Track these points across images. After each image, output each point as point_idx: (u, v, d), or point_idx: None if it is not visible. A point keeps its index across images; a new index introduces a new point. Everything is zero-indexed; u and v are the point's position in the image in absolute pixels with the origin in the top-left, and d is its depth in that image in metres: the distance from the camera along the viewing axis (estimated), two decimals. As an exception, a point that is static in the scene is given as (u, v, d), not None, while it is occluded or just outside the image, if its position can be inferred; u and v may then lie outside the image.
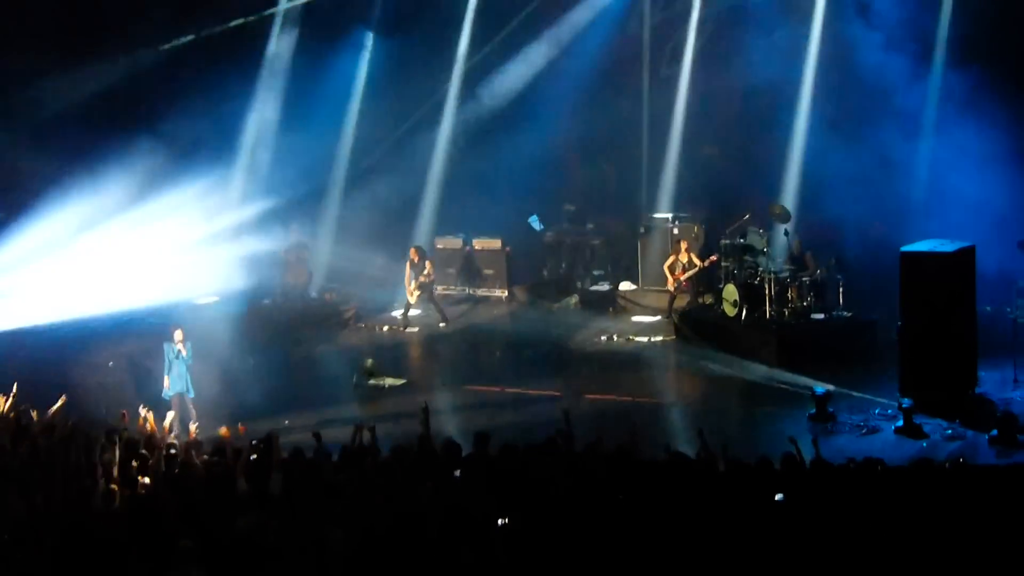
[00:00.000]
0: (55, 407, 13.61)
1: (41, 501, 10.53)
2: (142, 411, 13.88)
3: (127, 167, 21.23)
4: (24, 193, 21.43)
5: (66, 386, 15.40)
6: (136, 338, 19.35)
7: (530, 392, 17.52)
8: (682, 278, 20.53)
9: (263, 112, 23.47)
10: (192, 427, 14.07)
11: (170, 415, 15.05)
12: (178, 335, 16.26)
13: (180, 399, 16.17)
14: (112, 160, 21.10)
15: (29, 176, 21.71)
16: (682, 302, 20.81)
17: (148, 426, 13.62)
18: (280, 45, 23.62)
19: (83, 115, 21.85)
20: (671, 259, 20.72)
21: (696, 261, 20.49)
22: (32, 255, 20.48)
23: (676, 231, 21.75)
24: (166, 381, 16.25)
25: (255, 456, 11.90)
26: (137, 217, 21.06)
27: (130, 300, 20.04)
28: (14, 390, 14.26)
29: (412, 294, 21.38)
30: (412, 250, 21.64)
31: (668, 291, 20.95)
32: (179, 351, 16.16)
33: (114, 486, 11.03)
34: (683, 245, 20.65)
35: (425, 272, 21.36)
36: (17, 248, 20.57)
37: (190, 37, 23.18)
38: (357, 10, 23.79)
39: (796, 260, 19.30)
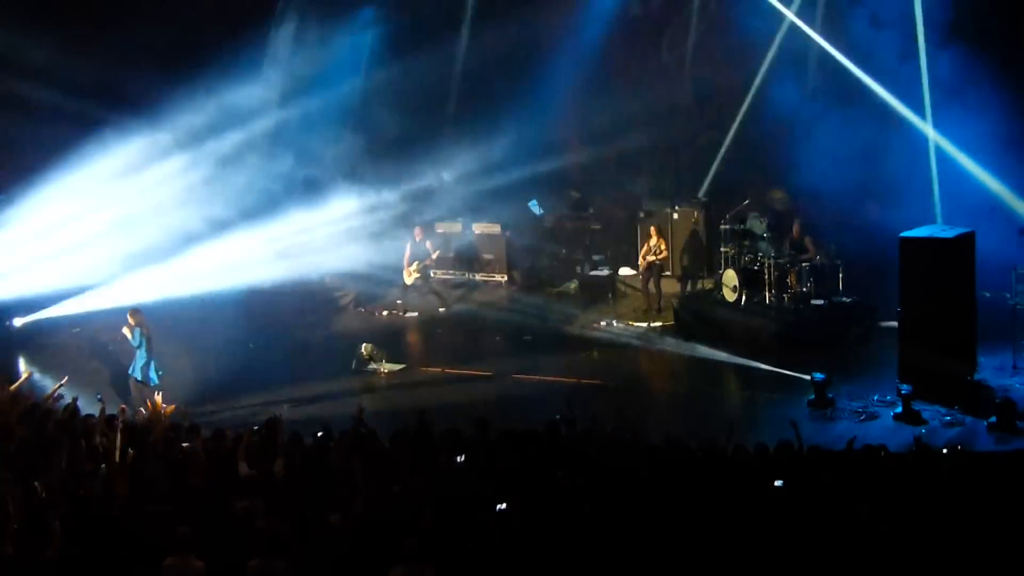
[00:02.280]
0: (54, 390, 13.63)
1: (41, 486, 10.55)
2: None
3: (122, 151, 21.23)
4: (19, 173, 21.45)
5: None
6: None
7: (526, 377, 17.56)
8: (645, 261, 20.54)
9: (266, 92, 23.32)
10: (166, 408, 14.05)
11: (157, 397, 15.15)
12: (129, 319, 16.33)
13: (135, 383, 16.30)
14: (107, 143, 21.07)
15: (24, 156, 21.69)
16: (670, 287, 20.76)
17: (149, 412, 13.63)
18: (284, 22, 23.52)
19: (80, 94, 21.75)
20: (644, 246, 20.75)
21: (663, 247, 20.50)
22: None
23: (676, 216, 21.73)
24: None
25: (257, 440, 11.96)
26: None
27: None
28: (23, 375, 14.29)
29: (410, 275, 21.30)
30: (417, 228, 21.57)
31: (664, 276, 21.10)
32: (125, 335, 16.28)
33: (112, 471, 11.06)
34: (653, 229, 20.67)
35: (431, 257, 21.29)
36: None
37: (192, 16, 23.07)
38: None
39: (796, 245, 19.29)
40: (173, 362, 17.88)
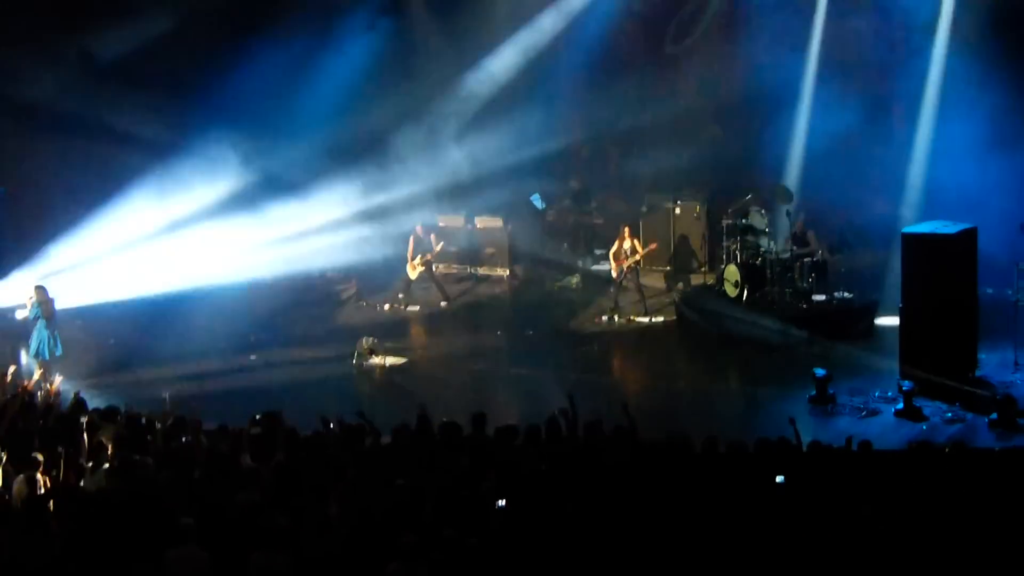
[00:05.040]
0: (22, 384, 13.64)
1: (42, 479, 10.56)
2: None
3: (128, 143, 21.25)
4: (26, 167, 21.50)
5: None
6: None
7: (528, 371, 17.58)
8: (624, 265, 20.03)
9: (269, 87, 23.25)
10: (53, 384, 14.10)
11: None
12: (33, 294, 16.55)
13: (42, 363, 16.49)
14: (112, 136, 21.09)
15: (31, 150, 21.73)
16: (633, 296, 20.33)
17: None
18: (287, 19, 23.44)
19: (83, 89, 21.77)
20: (616, 245, 20.26)
21: (638, 248, 20.05)
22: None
23: (678, 211, 21.73)
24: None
25: (257, 433, 11.96)
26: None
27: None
28: (11, 369, 14.30)
29: (414, 269, 21.26)
30: (418, 226, 21.56)
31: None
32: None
33: (113, 464, 11.07)
34: (626, 231, 20.28)
35: (434, 250, 21.29)
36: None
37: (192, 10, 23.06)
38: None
39: (799, 240, 19.29)
40: (173, 356, 17.96)
